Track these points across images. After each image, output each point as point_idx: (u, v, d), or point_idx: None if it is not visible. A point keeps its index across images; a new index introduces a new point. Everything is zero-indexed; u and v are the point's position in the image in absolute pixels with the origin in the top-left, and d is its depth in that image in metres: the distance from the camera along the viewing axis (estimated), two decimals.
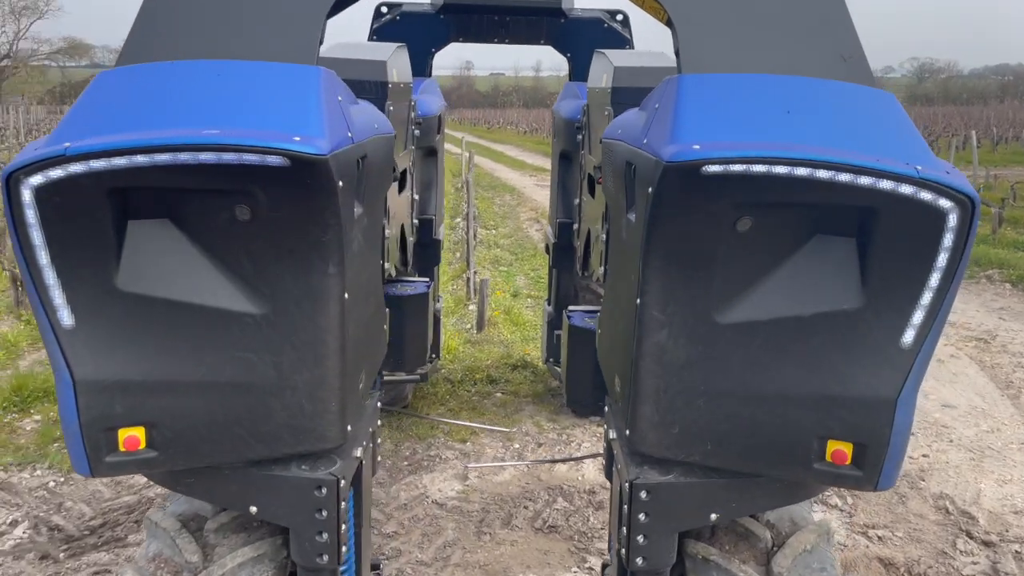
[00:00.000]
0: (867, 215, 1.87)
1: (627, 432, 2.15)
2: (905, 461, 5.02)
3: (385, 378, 4.67)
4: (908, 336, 1.90)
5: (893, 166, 1.78)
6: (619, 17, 5.35)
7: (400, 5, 5.14)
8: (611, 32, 5.24)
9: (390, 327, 4.04)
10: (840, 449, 1.98)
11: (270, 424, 2.01)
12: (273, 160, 1.75)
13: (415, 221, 4.50)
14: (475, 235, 9.77)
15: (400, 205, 3.85)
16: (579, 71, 5.23)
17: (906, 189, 1.79)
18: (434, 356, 5.27)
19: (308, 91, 1.91)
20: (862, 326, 1.92)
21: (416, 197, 4.48)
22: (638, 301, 2.02)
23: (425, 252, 4.99)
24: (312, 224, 1.88)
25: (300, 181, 1.80)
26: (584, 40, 5.14)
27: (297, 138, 1.76)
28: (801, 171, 1.79)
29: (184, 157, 1.74)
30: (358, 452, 2.27)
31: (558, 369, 5.50)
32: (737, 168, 1.79)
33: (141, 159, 1.73)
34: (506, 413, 5.55)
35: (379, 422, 2.70)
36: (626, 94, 3.30)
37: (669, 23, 2.16)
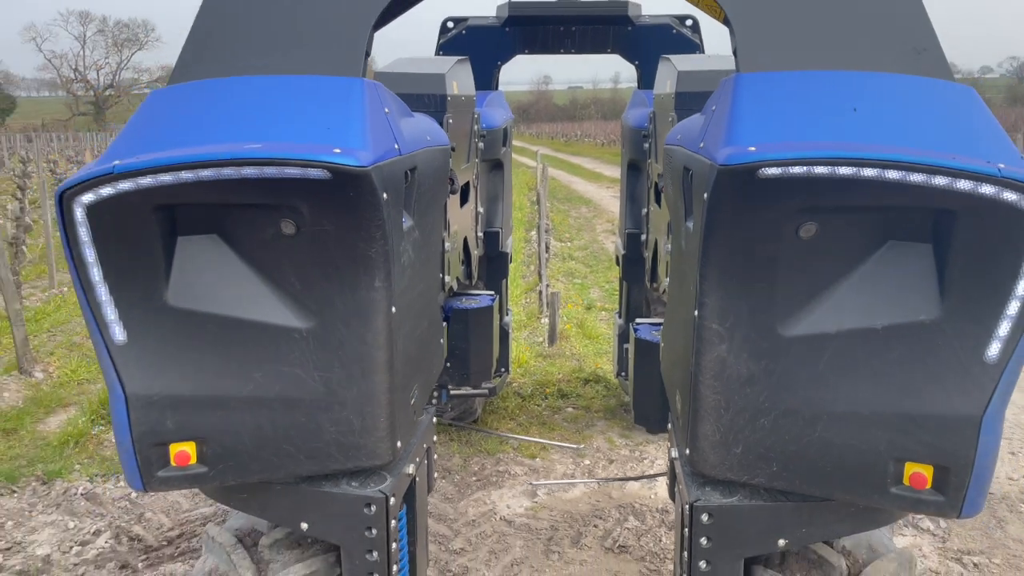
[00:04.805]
0: (944, 218, 1.72)
1: (687, 452, 2.04)
2: (1005, 482, 4.69)
3: (452, 392, 4.65)
4: (993, 349, 1.74)
5: (972, 164, 1.64)
6: (688, 22, 5.23)
7: (465, 19, 5.15)
8: (680, 38, 5.12)
9: (455, 341, 4.01)
10: (919, 472, 1.83)
11: (319, 440, 1.99)
12: (314, 173, 1.73)
13: (480, 234, 4.46)
14: (547, 248, 9.70)
15: (463, 218, 3.82)
16: (647, 79, 5.13)
17: (987, 189, 1.64)
18: (503, 370, 5.22)
19: (351, 103, 1.89)
20: (942, 339, 1.77)
21: (481, 210, 4.45)
22: (696, 313, 1.92)
23: (492, 265, 4.96)
24: (356, 237, 1.86)
25: (342, 194, 1.78)
26: (652, 47, 5.04)
27: (337, 150, 1.74)
28: (868, 172, 1.66)
29: (228, 172, 1.74)
30: (410, 469, 2.23)
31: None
32: (797, 170, 1.68)
33: (186, 175, 1.74)
34: (577, 428, 5.45)
35: (435, 438, 2.66)
36: (690, 99, 3.19)
37: (726, 21, 2.06)
